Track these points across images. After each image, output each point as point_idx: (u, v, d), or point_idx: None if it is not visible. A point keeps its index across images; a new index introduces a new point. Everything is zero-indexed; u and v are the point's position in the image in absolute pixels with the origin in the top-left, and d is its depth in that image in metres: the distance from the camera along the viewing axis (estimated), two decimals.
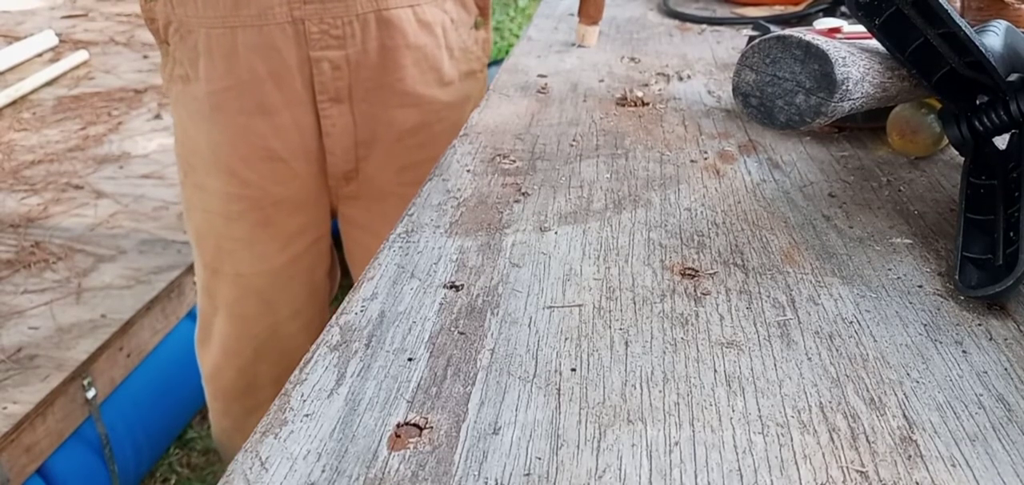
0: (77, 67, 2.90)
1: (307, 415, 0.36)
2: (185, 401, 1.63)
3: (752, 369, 0.38)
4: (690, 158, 0.63)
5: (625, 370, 0.38)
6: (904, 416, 0.35)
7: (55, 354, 1.36)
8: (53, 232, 1.78)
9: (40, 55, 2.99)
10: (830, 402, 0.36)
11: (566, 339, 0.41)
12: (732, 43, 0.95)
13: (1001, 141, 0.53)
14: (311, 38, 0.86)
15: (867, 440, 0.34)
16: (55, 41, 3.11)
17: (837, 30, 0.76)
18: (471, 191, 0.57)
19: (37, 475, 1.27)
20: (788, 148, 0.64)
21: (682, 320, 0.42)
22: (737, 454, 0.33)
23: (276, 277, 0.99)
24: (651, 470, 0.33)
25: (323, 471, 0.33)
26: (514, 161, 0.62)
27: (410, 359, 0.39)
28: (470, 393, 0.37)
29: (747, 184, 0.58)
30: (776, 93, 0.51)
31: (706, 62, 0.88)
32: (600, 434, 0.34)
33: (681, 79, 0.81)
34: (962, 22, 0.48)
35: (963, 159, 0.53)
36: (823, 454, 0.33)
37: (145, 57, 3.03)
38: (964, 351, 0.40)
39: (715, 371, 0.38)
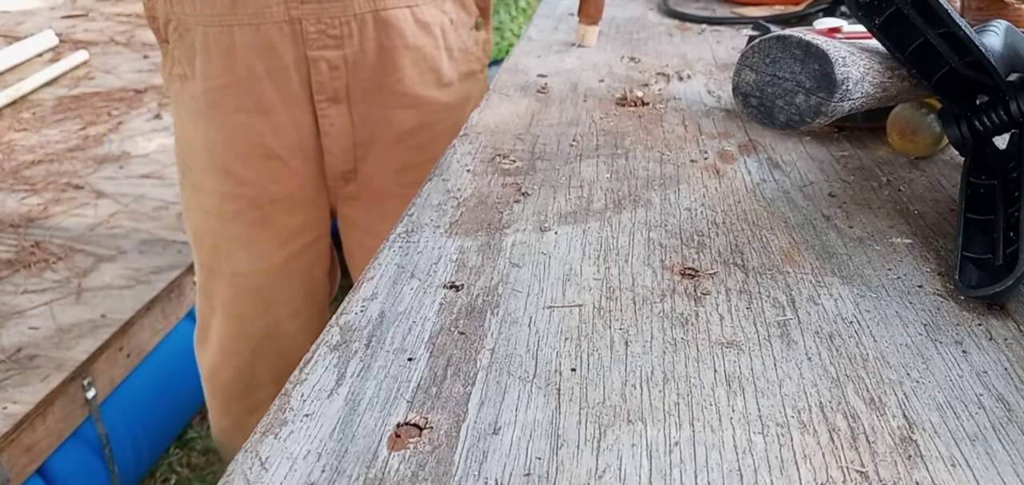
0: (77, 67, 2.90)
1: (307, 415, 0.36)
2: (185, 401, 1.63)
3: (752, 369, 0.38)
4: (690, 158, 0.63)
5: (625, 370, 0.38)
6: (904, 416, 0.35)
7: (55, 354, 1.36)
8: (53, 232, 1.78)
9: (40, 55, 2.99)
10: (830, 402, 0.36)
11: (566, 339, 0.41)
12: (732, 43, 0.95)
13: (1001, 141, 0.53)
14: (308, 38, 0.86)
15: (867, 440, 0.34)
16: (55, 41, 3.11)
17: (837, 30, 0.76)
18: (471, 191, 0.57)
19: (37, 475, 1.27)
20: (788, 148, 0.64)
21: (682, 320, 0.42)
22: (737, 454, 0.33)
23: (274, 276, 0.99)
24: (651, 470, 0.33)
25: (323, 471, 0.33)
26: (514, 161, 0.62)
27: (410, 359, 0.39)
28: (470, 393, 0.37)
29: (747, 184, 0.58)
30: (776, 93, 0.51)
31: (706, 62, 0.88)
32: (600, 434, 0.34)
33: (681, 79, 0.81)
34: (962, 22, 0.48)
35: (963, 159, 0.53)
36: (823, 454, 0.33)
37: (145, 57, 3.03)
38: (964, 351, 0.40)
39: (715, 371, 0.38)
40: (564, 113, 0.72)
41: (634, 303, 0.44)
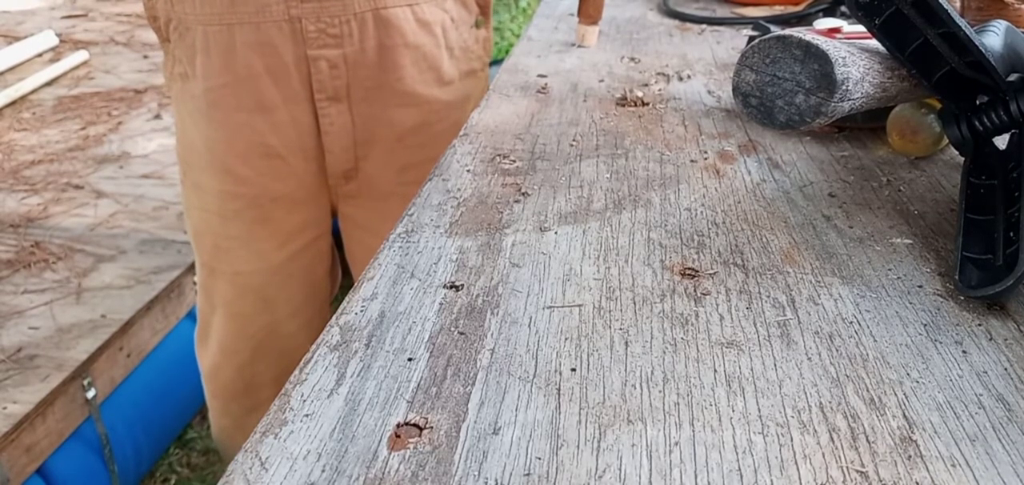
0: (77, 67, 2.90)
1: (307, 415, 0.36)
2: (185, 401, 1.63)
3: (752, 369, 0.38)
4: (690, 158, 0.63)
5: (625, 370, 0.38)
6: (904, 416, 0.35)
7: (55, 354, 1.36)
8: (53, 232, 1.78)
9: (40, 55, 2.99)
10: (830, 402, 0.36)
11: (566, 339, 0.41)
12: (732, 43, 0.95)
13: (1001, 141, 0.53)
14: (308, 36, 0.86)
15: (867, 440, 0.34)
16: (55, 41, 3.11)
17: (837, 30, 0.76)
18: (471, 191, 0.57)
19: (37, 475, 1.27)
20: (788, 148, 0.64)
21: (682, 320, 0.42)
22: (737, 454, 0.33)
23: (274, 275, 0.99)
24: (651, 470, 0.33)
25: (323, 471, 0.33)
26: (514, 161, 0.62)
27: (410, 359, 0.39)
28: (470, 393, 0.37)
29: (747, 184, 0.58)
30: (776, 93, 0.51)
31: (706, 62, 0.88)
32: (600, 434, 0.34)
33: (681, 79, 0.81)
34: (962, 22, 0.48)
35: (963, 159, 0.53)
36: (823, 454, 0.33)
37: (145, 57, 3.03)
38: (964, 351, 0.40)
39: (715, 371, 0.38)
40: (564, 113, 0.72)
41: (634, 303, 0.44)
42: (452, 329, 0.42)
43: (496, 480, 0.32)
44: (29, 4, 3.79)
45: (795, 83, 0.50)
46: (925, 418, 0.35)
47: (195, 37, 0.88)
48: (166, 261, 1.65)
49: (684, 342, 0.40)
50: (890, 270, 0.47)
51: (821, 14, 0.95)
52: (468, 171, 0.60)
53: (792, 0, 1.09)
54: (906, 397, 0.37)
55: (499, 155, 0.63)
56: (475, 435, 0.34)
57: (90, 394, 1.35)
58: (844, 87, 0.49)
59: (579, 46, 0.93)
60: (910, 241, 0.50)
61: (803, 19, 0.97)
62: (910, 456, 0.33)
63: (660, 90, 0.78)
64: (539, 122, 0.70)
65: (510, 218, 0.53)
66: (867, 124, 0.67)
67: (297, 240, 0.99)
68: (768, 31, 0.83)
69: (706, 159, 0.62)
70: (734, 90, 0.53)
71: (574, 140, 0.66)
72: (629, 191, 0.57)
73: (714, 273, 0.47)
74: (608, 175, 0.59)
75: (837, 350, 0.40)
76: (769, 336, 0.41)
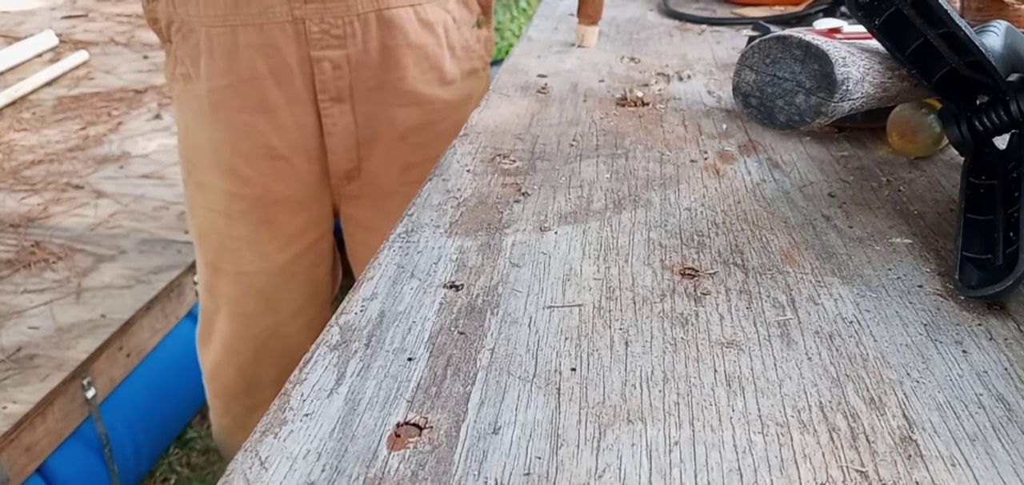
0: (77, 67, 2.90)
1: (307, 415, 0.36)
2: (185, 401, 1.63)
3: (752, 369, 0.38)
4: (690, 158, 0.63)
5: (625, 370, 0.38)
6: (904, 416, 0.35)
7: (55, 354, 1.36)
8: (53, 232, 1.78)
9: (40, 55, 2.99)
10: (830, 402, 0.36)
11: (566, 339, 0.41)
12: (732, 43, 0.95)
13: (1001, 141, 0.53)
14: (312, 37, 0.86)
15: (867, 440, 0.34)
16: (55, 41, 3.11)
17: (837, 30, 0.76)
18: (471, 191, 0.57)
19: (37, 475, 1.27)
20: (788, 148, 0.64)
21: (682, 320, 0.42)
22: (737, 454, 0.33)
23: (277, 276, 0.99)
24: (651, 470, 0.33)
25: (323, 471, 0.33)
26: (514, 161, 0.62)
27: (410, 359, 0.39)
28: (470, 393, 0.37)
29: (747, 184, 0.58)
30: (776, 93, 0.51)
31: (706, 62, 0.88)
32: (600, 434, 0.34)
33: (681, 79, 0.81)
34: (962, 22, 0.48)
35: (963, 159, 0.53)
36: (823, 454, 0.33)
37: (145, 57, 3.03)
38: (964, 351, 0.40)
39: (715, 371, 0.38)
40: (564, 113, 0.72)
41: (634, 303, 0.44)
42: (452, 329, 0.42)
43: (496, 480, 0.32)
44: (29, 4, 3.79)
45: (795, 83, 0.50)
46: (925, 418, 0.35)
47: (199, 39, 0.88)
48: (166, 261, 1.65)
49: (684, 342, 0.40)
50: (890, 270, 0.47)
51: (821, 14, 0.95)
52: (468, 171, 0.60)
53: (792, 0, 1.09)
54: (906, 397, 0.37)
55: (499, 155, 0.63)
56: (475, 435, 0.34)
57: (90, 394, 1.35)
58: (844, 87, 0.49)
59: (579, 46, 0.93)
60: (910, 241, 0.50)
61: (803, 19, 0.97)
62: (910, 456, 0.33)
63: (660, 90, 0.78)
64: (539, 122, 0.70)
65: (510, 218, 0.53)
66: (867, 124, 0.67)
67: (300, 241, 0.99)
68: (768, 31, 0.83)
69: (706, 159, 0.62)
70: (734, 90, 0.53)
71: (574, 140, 0.66)
72: (629, 191, 0.57)
73: (714, 273, 0.47)
74: (608, 175, 0.59)
75: (837, 350, 0.40)
76: (769, 336, 0.41)
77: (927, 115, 0.60)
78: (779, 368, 0.39)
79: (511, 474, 0.32)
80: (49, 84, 2.74)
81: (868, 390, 0.37)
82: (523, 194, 0.56)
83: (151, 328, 1.53)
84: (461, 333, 0.41)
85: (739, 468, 0.33)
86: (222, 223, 0.97)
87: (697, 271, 0.47)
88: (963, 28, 0.48)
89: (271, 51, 0.86)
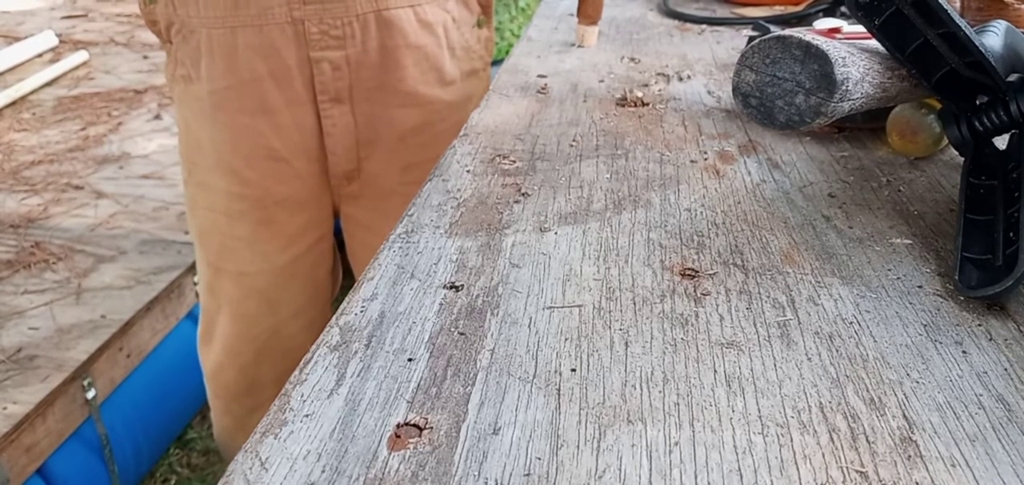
0: (77, 67, 2.90)
1: (307, 415, 0.36)
2: (185, 401, 1.63)
3: (752, 369, 0.38)
4: (690, 158, 0.63)
5: (625, 370, 0.38)
6: (904, 416, 0.35)
7: (55, 354, 1.36)
8: (53, 232, 1.78)
9: (40, 55, 2.99)
10: (830, 402, 0.36)
11: (566, 339, 0.41)
12: (732, 43, 0.95)
13: (1001, 141, 0.53)
14: (311, 38, 0.86)
15: (867, 440, 0.34)
16: (55, 41, 3.11)
17: (837, 30, 0.76)
18: (471, 191, 0.57)
19: (37, 475, 1.27)
20: (788, 148, 0.64)
21: (682, 320, 0.42)
22: (737, 454, 0.33)
23: (278, 276, 0.99)
24: (651, 470, 0.33)
25: (323, 471, 0.33)
26: (514, 161, 0.62)
27: (410, 359, 0.39)
28: (470, 393, 0.37)
29: (747, 184, 0.58)
30: (776, 93, 0.51)
31: (706, 62, 0.88)
32: (600, 434, 0.34)
33: (681, 79, 0.81)
34: (962, 22, 0.48)
35: (963, 159, 0.53)
36: (823, 454, 0.33)
37: (145, 57, 3.03)
38: (964, 351, 0.40)
39: (715, 371, 0.38)
40: (564, 113, 0.72)
41: (634, 303, 0.44)
42: (452, 329, 0.42)
43: (496, 480, 0.32)
44: (29, 4, 3.79)
45: (795, 83, 0.50)
46: (925, 418, 0.35)
47: (199, 40, 0.88)
48: (166, 261, 1.65)
49: (684, 342, 0.40)
50: (890, 270, 0.47)
51: (821, 14, 0.95)
52: (468, 171, 0.60)
53: (792, 0, 1.09)
54: (906, 397, 0.37)
55: (499, 155, 0.63)
56: (475, 435, 0.34)
57: (90, 394, 1.35)
58: (844, 87, 0.49)
59: (579, 46, 0.93)
60: (910, 241, 0.50)
61: (803, 19, 0.97)
62: (910, 456, 0.33)
63: (660, 90, 0.78)
64: (539, 122, 0.70)
65: (510, 218, 0.53)
66: (867, 124, 0.67)
67: (300, 242, 0.99)
68: (768, 31, 0.83)
69: (706, 159, 0.62)
70: (734, 90, 0.53)
71: (574, 140, 0.66)
72: (629, 191, 0.57)
73: (714, 273, 0.47)
74: (608, 175, 0.59)
75: (837, 350, 0.40)
76: (769, 336, 0.41)
77: (927, 115, 0.60)
78: (779, 369, 0.39)
79: (511, 475, 0.32)
80: (49, 84, 2.74)
81: (868, 391, 0.37)
82: (523, 194, 0.56)
83: (151, 329, 1.53)
84: (461, 334, 0.41)
85: (739, 469, 0.33)
86: (223, 223, 0.97)
87: (697, 272, 0.47)
88: (963, 28, 0.48)
89: (270, 52, 0.86)
